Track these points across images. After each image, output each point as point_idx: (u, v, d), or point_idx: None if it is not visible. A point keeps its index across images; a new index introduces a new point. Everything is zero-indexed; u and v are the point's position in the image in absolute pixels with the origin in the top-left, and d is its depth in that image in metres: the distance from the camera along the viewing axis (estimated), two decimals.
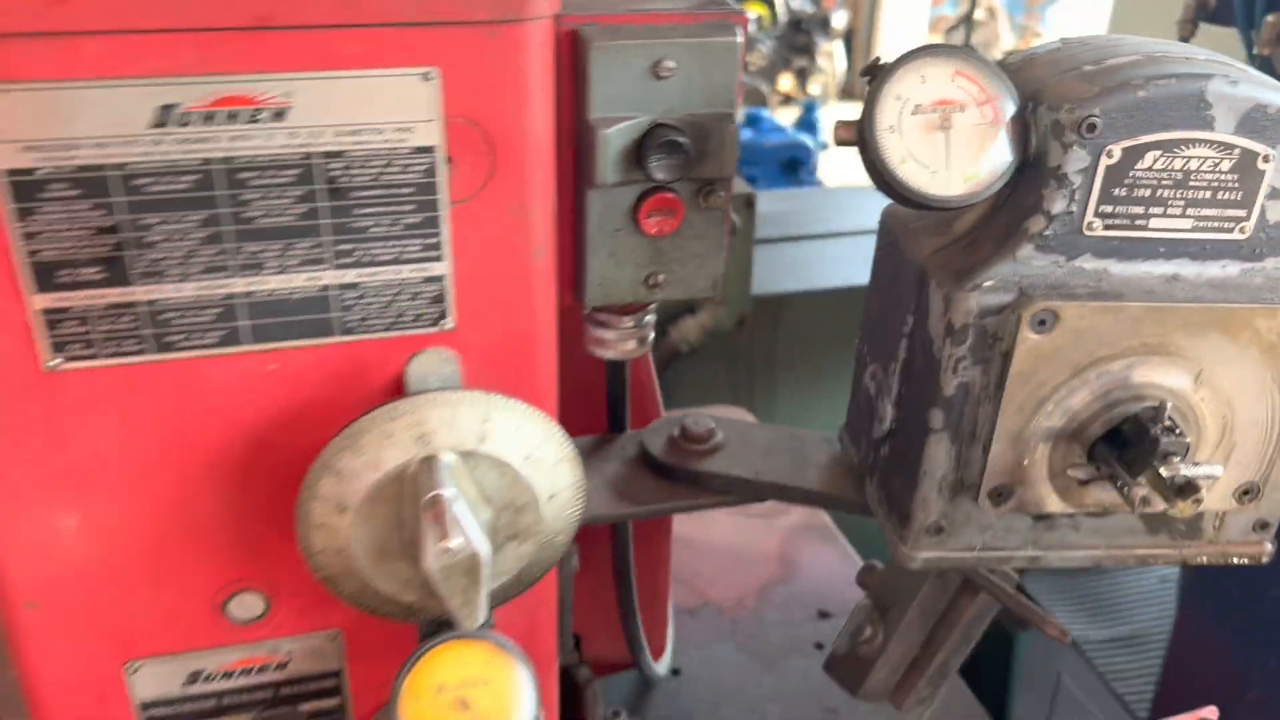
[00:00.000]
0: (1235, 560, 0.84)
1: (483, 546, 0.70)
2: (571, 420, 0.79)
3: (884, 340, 0.85)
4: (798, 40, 8.46)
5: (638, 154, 0.75)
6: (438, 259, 0.72)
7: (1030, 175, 0.73)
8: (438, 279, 0.73)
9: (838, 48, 8.80)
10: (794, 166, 4.63)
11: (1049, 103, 0.71)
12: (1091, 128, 0.70)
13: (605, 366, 0.97)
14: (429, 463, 0.70)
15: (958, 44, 0.72)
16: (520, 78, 0.69)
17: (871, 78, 0.72)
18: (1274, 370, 0.75)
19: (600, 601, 1.24)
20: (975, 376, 0.75)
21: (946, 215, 0.79)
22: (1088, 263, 0.74)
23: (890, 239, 0.84)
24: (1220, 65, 0.72)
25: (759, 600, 1.63)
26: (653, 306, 0.91)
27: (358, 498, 0.71)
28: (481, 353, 0.76)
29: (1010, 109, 0.72)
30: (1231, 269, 0.75)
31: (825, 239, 2.66)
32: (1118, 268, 0.74)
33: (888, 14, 9.78)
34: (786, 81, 8.50)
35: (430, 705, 0.74)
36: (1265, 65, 1.54)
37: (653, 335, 0.93)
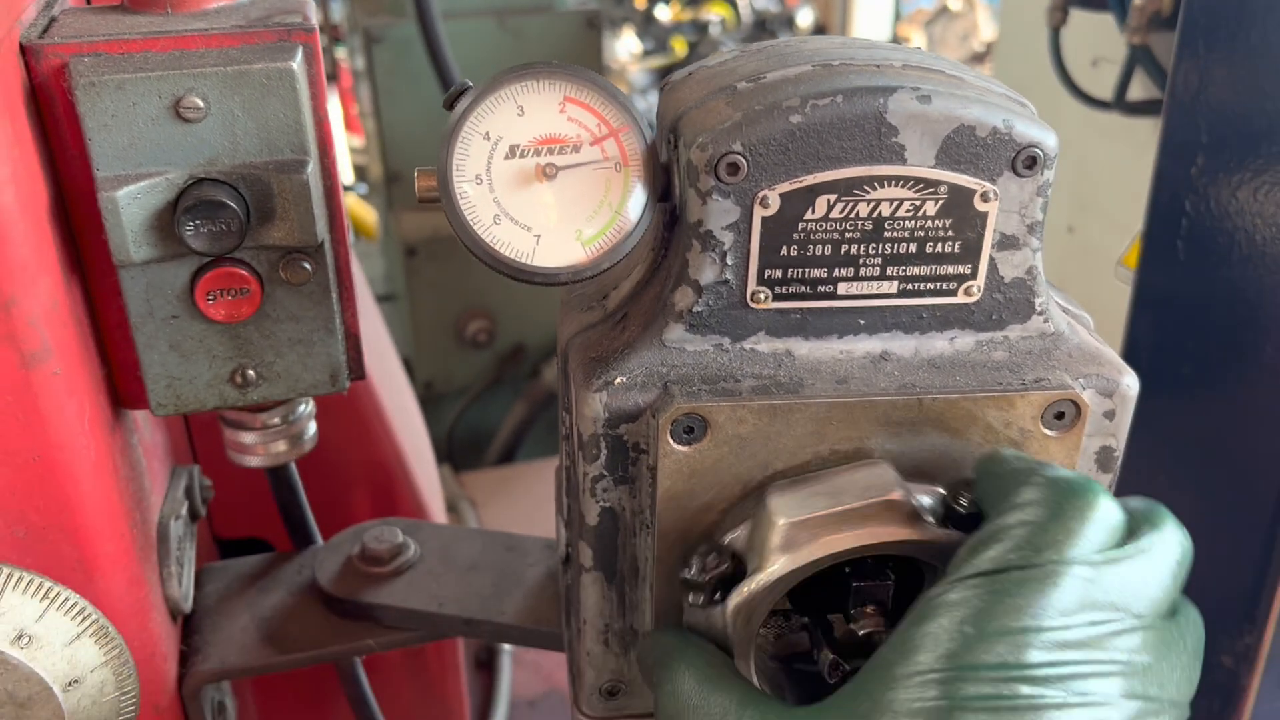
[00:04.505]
0: None
1: None
2: None
3: (557, 439, 0.66)
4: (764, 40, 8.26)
5: (169, 220, 0.57)
6: None
7: (679, 234, 0.55)
8: None
9: None
10: None
11: (687, 135, 0.53)
12: (734, 168, 0.51)
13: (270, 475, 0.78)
14: None
15: (563, 62, 0.53)
16: None
17: (452, 107, 0.53)
18: None
19: None
20: (622, 499, 0.56)
21: (603, 283, 0.61)
22: (762, 344, 0.55)
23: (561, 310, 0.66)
24: (919, 74, 0.53)
25: None
26: (301, 399, 0.73)
27: None
28: None
29: (640, 145, 0.54)
30: (963, 341, 0.57)
31: None
32: (804, 348, 0.56)
33: (861, 8, 9.58)
34: None
35: None
36: (1142, 53, 1.36)
37: (312, 430, 0.75)
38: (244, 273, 0.60)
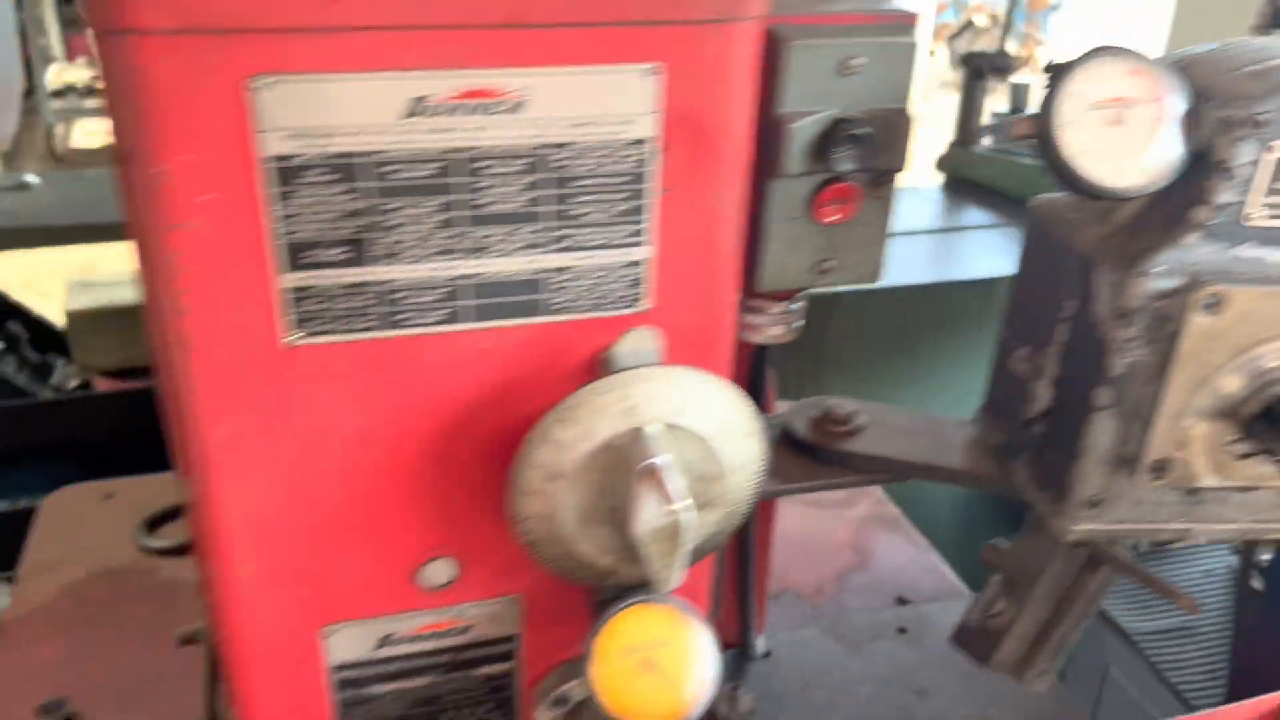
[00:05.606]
0: None
1: (689, 513, 0.74)
2: None
3: (1036, 325, 0.89)
4: None
5: (820, 146, 0.80)
6: (640, 244, 0.77)
7: (1196, 168, 0.78)
8: (638, 264, 0.77)
9: None
10: None
11: (1218, 100, 0.76)
12: (1257, 124, 0.75)
13: (750, 350, 1.01)
14: (639, 434, 0.74)
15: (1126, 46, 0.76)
16: (732, 74, 0.73)
17: (1051, 76, 0.77)
18: None
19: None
20: (1144, 356, 0.79)
21: (1107, 206, 0.84)
22: (1248, 250, 0.79)
23: (1040, 230, 0.89)
24: None
25: (838, 587, 1.68)
26: (803, 293, 0.96)
27: (570, 466, 0.75)
28: (670, 335, 0.80)
29: (1180, 105, 0.77)
30: None
31: None
32: (1276, 255, 0.79)
33: None
34: None
35: (619, 666, 0.78)
36: None
37: (800, 323, 0.98)
38: (853, 187, 0.83)
